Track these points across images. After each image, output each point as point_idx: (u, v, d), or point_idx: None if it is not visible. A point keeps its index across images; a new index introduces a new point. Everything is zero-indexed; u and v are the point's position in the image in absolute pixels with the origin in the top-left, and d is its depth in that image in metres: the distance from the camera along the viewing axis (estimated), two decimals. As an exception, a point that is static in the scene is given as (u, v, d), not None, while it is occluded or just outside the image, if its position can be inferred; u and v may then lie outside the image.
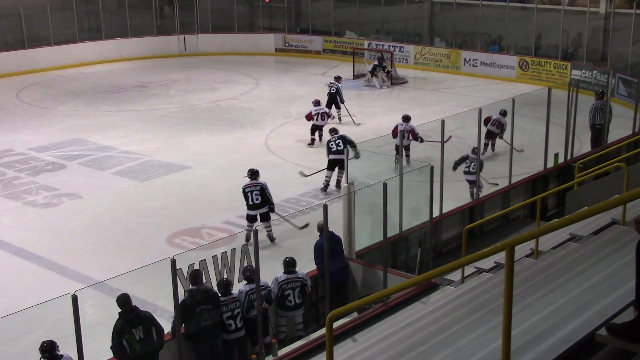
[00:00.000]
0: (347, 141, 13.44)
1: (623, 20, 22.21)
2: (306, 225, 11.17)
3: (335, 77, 19.66)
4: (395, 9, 28.03)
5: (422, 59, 26.52)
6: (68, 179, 15.03)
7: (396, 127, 14.90)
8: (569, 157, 13.81)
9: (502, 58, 24.77)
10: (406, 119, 15.14)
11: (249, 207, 11.54)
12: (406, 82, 24.34)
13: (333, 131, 14.35)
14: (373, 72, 23.77)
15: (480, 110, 12.08)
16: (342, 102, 18.91)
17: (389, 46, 26.79)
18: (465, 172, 12.77)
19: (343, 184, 11.78)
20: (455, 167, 12.95)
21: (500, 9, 25.58)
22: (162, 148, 17.01)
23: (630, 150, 13.65)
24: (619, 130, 15.61)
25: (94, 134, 18.29)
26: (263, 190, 11.49)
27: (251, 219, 11.60)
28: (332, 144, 13.84)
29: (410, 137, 14.72)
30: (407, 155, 14.58)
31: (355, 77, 24.72)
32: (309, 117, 17.15)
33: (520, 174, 13.10)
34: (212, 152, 16.63)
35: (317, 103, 17.30)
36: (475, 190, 12.49)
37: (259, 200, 11.48)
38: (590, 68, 22.39)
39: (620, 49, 22.28)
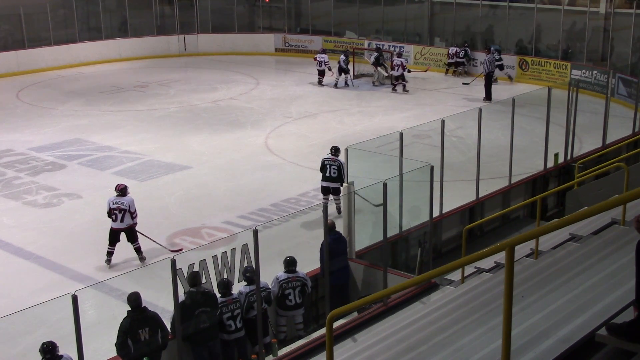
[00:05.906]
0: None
1: (623, 20, 22.20)
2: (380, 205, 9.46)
3: (344, 52, 24.07)
4: (395, 9, 28.03)
5: (422, 59, 26.52)
6: (68, 179, 15.02)
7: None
8: (569, 157, 13.82)
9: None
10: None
11: (325, 179, 12.33)
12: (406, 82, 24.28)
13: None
14: (377, 63, 23.90)
15: (480, 110, 12.08)
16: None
17: (389, 46, 26.78)
18: None
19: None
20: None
21: (500, 9, 25.58)
22: (162, 148, 17.00)
23: (630, 150, 13.67)
24: (619, 130, 15.60)
25: (94, 134, 18.28)
26: (340, 167, 12.08)
27: (325, 191, 12.41)
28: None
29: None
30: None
31: (356, 76, 24.69)
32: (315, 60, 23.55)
33: (520, 174, 13.10)
34: (212, 152, 16.63)
35: (323, 51, 24.00)
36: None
37: (335, 174, 12.22)
38: (590, 68, 22.38)
39: (620, 49, 22.28)
